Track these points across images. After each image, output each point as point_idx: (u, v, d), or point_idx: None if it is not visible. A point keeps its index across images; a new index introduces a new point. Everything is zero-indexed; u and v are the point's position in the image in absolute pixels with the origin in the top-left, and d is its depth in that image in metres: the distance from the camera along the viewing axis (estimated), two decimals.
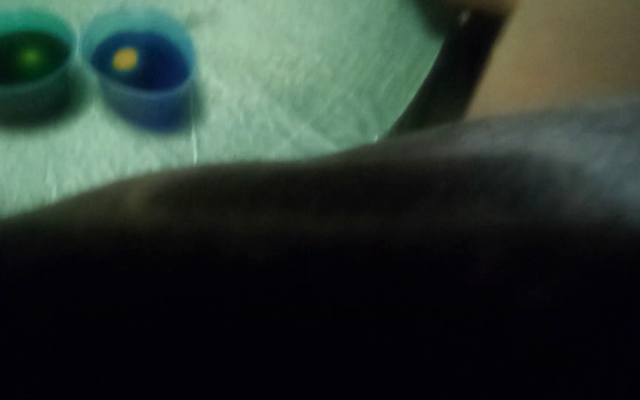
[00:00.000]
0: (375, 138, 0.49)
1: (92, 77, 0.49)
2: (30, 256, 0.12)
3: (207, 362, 0.11)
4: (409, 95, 0.51)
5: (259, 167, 0.15)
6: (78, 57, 0.46)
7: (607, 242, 0.11)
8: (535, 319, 0.11)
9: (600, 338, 0.11)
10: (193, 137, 0.48)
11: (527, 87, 0.21)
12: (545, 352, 0.10)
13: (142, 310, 0.11)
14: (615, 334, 0.11)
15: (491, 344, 0.11)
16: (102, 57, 0.47)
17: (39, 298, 0.12)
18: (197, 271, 0.12)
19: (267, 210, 0.13)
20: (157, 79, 0.48)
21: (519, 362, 0.11)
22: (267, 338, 0.11)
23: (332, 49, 0.54)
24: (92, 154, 0.47)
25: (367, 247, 0.12)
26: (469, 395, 0.11)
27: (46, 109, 0.48)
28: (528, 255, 0.11)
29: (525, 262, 0.11)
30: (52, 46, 0.47)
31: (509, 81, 0.22)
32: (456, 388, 0.11)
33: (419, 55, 0.54)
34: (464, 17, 0.56)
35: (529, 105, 0.16)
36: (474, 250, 0.12)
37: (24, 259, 0.12)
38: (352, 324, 0.11)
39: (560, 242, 0.11)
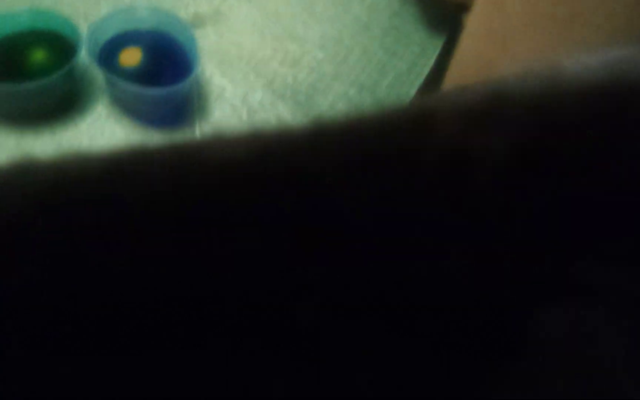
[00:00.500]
0: None
1: (98, 76, 0.50)
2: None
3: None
4: (410, 92, 0.52)
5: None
6: (85, 56, 0.47)
7: (548, 97, 0.12)
8: (489, 168, 0.12)
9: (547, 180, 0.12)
10: (197, 134, 0.49)
11: (497, 56, 0.21)
12: (501, 191, 0.12)
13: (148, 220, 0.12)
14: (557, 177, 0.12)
15: (454, 193, 0.12)
16: (108, 55, 0.48)
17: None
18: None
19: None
20: (162, 77, 0.48)
21: (480, 205, 0.12)
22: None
23: (334, 47, 0.54)
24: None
25: (339, 130, 0.13)
26: (438, 244, 0.12)
27: (53, 107, 0.49)
28: (483, 112, 0.12)
29: (480, 117, 0.12)
30: (60, 45, 0.48)
31: (480, 50, 0.23)
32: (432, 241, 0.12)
33: (420, 53, 0.55)
34: (465, 16, 0.56)
35: (499, 73, 0.17)
36: (435, 116, 0.13)
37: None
38: (332, 198, 0.12)
39: (509, 100, 0.13)
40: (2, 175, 0.13)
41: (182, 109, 0.50)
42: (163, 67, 0.49)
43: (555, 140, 0.12)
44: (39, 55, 0.48)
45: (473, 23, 0.25)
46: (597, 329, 0.12)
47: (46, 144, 0.48)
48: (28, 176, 0.13)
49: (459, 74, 0.25)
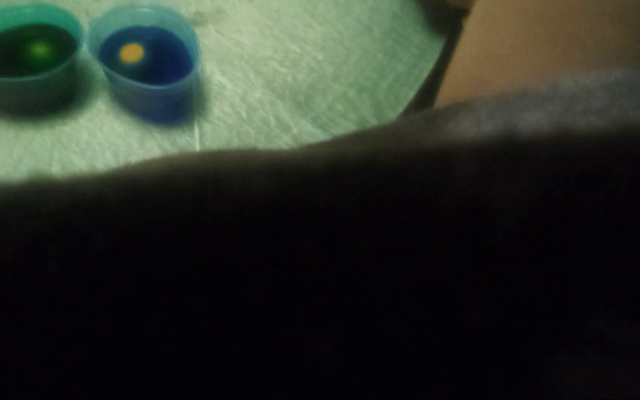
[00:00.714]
0: None
1: (99, 72, 0.50)
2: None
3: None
4: (409, 94, 0.52)
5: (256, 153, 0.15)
6: (86, 51, 0.47)
7: (561, 148, 0.12)
8: (512, 219, 0.12)
9: (568, 232, 0.12)
10: (196, 131, 0.49)
11: (492, 76, 0.21)
12: (523, 243, 0.12)
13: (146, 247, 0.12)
14: (578, 227, 0.12)
15: (474, 242, 0.12)
16: (109, 51, 0.49)
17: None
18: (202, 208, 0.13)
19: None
20: (163, 74, 0.49)
21: (500, 256, 0.12)
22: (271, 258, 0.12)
23: (334, 48, 0.55)
24: (97, 146, 0.48)
25: (357, 169, 0.13)
26: (455, 292, 0.11)
27: (53, 101, 0.49)
28: (500, 161, 0.12)
29: (498, 166, 0.12)
30: (62, 40, 0.49)
31: (474, 71, 0.23)
32: (444, 287, 0.12)
33: (420, 56, 0.55)
34: (465, 20, 0.57)
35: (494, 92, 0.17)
36: (453, 161, 0.13)
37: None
38: (350, 238, 0.12)
39: (525, 150, 0.13)
40: (17, 193, 0.13)
41: (182, 106, 0.50)
42: (164, 64, 0.49)
43: (575, 194, 0.12)
44: (40, 50, 0.48)
45: (466, 44, 0.24)
46: (617, 382, 0.12)
47: (45, 138, 0.48)
48: (43, 196, 0.13)
49: (452, 93, 0.25)
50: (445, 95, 0.25)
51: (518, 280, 0.12)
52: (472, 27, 0.24)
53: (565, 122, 0.15)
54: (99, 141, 0.48)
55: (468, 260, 0.12)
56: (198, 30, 0.53)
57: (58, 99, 0.49)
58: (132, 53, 0.48)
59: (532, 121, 0.15)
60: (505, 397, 0.12)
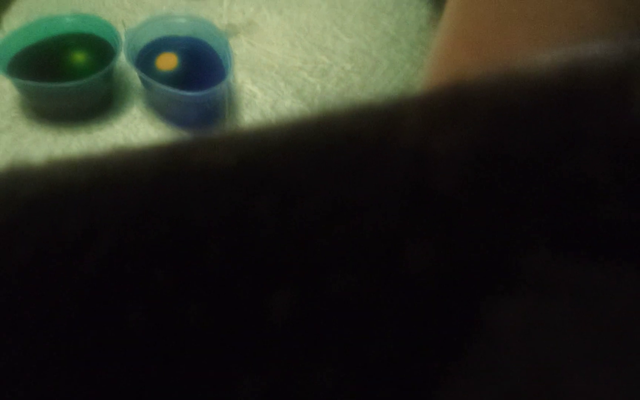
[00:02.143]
0: None
1: (134, 80, 0.52)
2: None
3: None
4: None
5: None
6: (123, 59, 0.49)
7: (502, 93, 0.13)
8: (451, 167, 0.13)
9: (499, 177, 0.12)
10: None
11: (469, 59, 0.22)
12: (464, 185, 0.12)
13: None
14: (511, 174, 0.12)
15: (417, 193, 0.12)
16: (145, 59, 0.50)
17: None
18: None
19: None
20: (196, 82, 0.50)
21: (441, 204, 0.12)
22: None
23: (362, 58, 0.56)
24: None
25: (312, 133, 0.13)
26: (400, 243, 0.12)
27: (91, 107, 0.51)
28: (444, 111, 0.13)
29: (441, 116, 0.13)
30: (100, 48, 0.50)
31: (452, 54, 0.23)
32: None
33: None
34: None
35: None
36: (400, 116, 0.13)
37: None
38: (302, 200, 0.13)
39: (469, 98, 0.13)
40: None
41: (214, 113, 0.51)
42: (197, 72, 0.51)
43: (511, 142, 0.13)
44: (80, 57, 0.50)
45: (444, 29, 0.25)
46: (551, 320, 0.12)
47: (82, 142, 0.50)
48: (20, 181, 0.13)
49: (433, 76, 0.25)
50: (426, 80, 0.26)
51: (458, 226, 0.12)
52: (449, 14, 0.24)
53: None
54: None
55: (411, 211, 0.12)
56: (230, 41, 0.54)
57: (95, 105, 0.51)
58: (167, 62, 0.50)
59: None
60: (449, 341, 0.12)
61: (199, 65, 0.51)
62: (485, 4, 0.22)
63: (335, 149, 0.13)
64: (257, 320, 0.12)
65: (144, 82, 0.49)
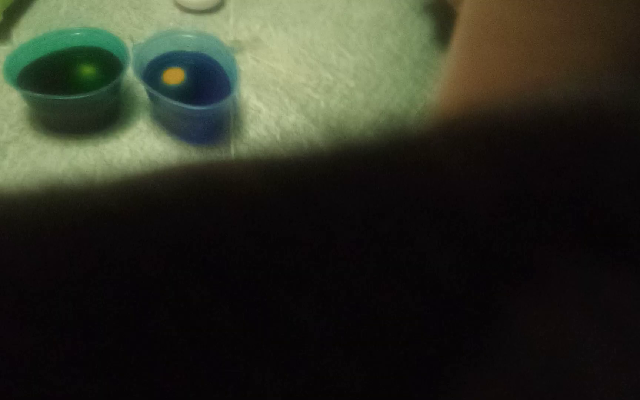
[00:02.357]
0: None
1: (141, 94, 0.53)
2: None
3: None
4: None
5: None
6: (130, 74, 0.50)
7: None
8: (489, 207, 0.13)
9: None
10: (232, 152, 0.51)
11: (479, 97, 0.22)
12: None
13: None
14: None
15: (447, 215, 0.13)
16: (152, 73, 0.51)
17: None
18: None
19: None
20: (202, 97, 0.51)
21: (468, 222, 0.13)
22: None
23: (365, 76, 0.57)
24: (138, 163, 0.50)
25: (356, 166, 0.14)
26: (430, 259, 0.13)
27: (97, 120, 0.51)
28: (482, 143, 0.14)
29: (478, 149, 0.14)
30: (108, 62, 0.51)
31: (460, 93, 0.23)
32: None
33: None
34: None
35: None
36: (437, 145, 0.14)
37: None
38: (344, 228, 0.13)
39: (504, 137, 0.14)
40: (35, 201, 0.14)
41: (219, 127, 0.52)
42: (203, 87, 0.51)
43: (540, 181, 0.13)
44: (88, 71, 0.51)
45: (450, 68, 0.25)
46: (562, 311, 0.13)
47: (89, 154, 0.50)
48: (61, 204, 0.13)
49: (441, 114, 0.26)
50: (439, 112, 0.26)
51: (482, 235, 0.13)
52: (454, 52, 0.25)
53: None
54: (140, 159, 0.50)
55: (441, 233, 0.13)
56: (236, 57, 0.55)
57: (102, 118, 0.51)
58: (174, 76, 0.51)
59: None
60: (477, 344, 0.12)
61: (206, 80, 0.52)
62: (491, 46, 0.22)
63: (373, 177, 0.14)
64: (287, 324, 0.12)
65: (150, 95, 0.50)
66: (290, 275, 0.13)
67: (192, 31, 0.53)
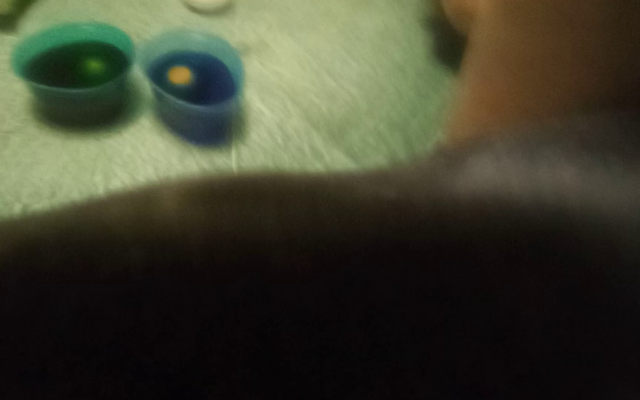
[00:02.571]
0: None
1: (146, 91, 0.53)
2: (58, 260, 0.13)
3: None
4: (437, 134, 0.54)
5: (286, 172, 0.16)
6: (136, 70, 0.50)
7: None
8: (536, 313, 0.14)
9: None
10: (233, 154, 0.52)
11: (488, 118, 0.22)
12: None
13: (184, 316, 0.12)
14: None
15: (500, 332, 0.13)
16: (158, 71, 0.51)
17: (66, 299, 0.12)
18: (243, 278, 0.13)
19: (295, 205, 0.14)
20: (207, 97, 0.51)
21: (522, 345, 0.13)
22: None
23: (368, 84, 0.57)
24: (138, 159, 0.51)
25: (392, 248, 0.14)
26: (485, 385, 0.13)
27: (101, 115, 0.52)
28: (527, 256, 0.14)
29: (523, 254, 0.14)
30: (114, 57, 0.52)
31: (472, 114, 0.24)
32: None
33: (450, 97, 0.57)
34: None
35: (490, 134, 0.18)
36: (478, 244, 0.14)
37: (55, 263, 0.13)
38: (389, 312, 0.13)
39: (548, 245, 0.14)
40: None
41: (222, 128, 0.52)
42: (208, 88, 0.52)
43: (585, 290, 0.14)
44: (94, 65, 0.51)
45: (463, 90, 0.26)
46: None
47: (90, 148, 0.51)
48: (98, 256, 0.13)
49: (454, 134, 0.26)
50: (451, 132, 0.27)
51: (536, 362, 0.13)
52: (467, 74, 0.26)
53: (582, 159, 0.16)
54: (141, 155, 0.51)
55: (493, 350, 0.13)
56: (241, 59, 0.55)
57: (106, 113, 0.52)
58: (180, 75, 0.51)
59: (550, 155, 0.16)
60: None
61: (211, 81, 0.52)
62: (497, 70, 0.23)
63: (417, 263, 0.14)
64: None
65: (155, 93, 0.51)
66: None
67: (200, 31, 0.53)
